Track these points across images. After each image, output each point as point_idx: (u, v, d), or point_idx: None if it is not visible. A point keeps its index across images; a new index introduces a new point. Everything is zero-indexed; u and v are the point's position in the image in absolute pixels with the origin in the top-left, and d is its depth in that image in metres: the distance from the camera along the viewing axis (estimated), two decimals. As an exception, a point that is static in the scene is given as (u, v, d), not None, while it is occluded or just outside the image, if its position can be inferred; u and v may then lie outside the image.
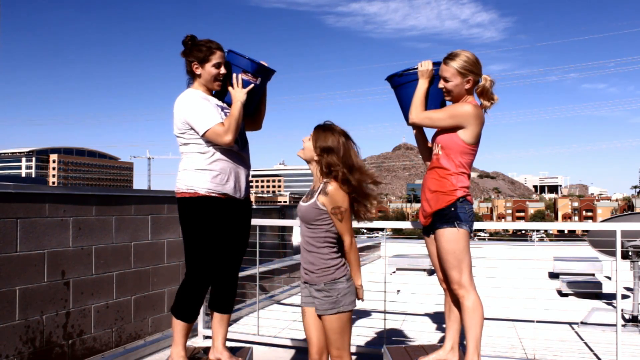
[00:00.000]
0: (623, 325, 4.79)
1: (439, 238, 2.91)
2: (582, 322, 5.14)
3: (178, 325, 2.94)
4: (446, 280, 3.05)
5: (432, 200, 2.95)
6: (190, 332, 4.60)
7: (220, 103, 3.04)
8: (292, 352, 4.32)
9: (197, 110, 2.88)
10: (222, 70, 2.98)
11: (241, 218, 3.08)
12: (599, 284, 6.95)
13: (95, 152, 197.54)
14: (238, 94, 2.97)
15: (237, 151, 3.01)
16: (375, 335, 4.70)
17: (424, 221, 3.06)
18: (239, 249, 3.12)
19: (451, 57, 2.93)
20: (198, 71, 2.96)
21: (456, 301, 3.07)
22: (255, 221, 4.75)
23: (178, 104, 2.94)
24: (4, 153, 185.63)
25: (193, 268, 2.93)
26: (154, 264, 4.50)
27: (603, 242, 5.33)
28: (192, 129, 2.91)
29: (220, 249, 2.98)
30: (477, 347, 2.88)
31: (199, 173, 2.91)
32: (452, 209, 2.87)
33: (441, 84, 2.96)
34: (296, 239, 9.63)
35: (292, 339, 4.52)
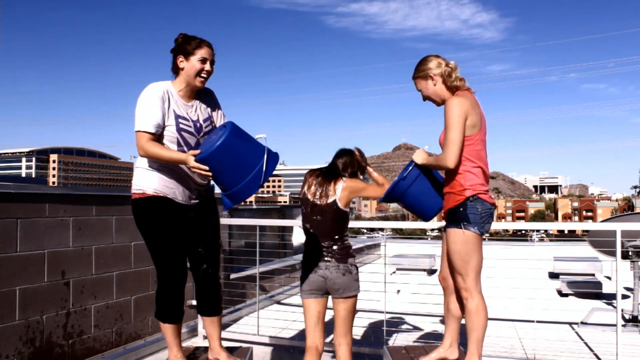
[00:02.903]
0: (623, 325, 4.79)
1: (447, 238, 2.91)
2: (582, 322, 5.14)
3: (167, 329, 2.90)
4: (452, 278, 3.05)
5: (445, 199, 2.96)
6: (187, 331, 4.63)
7: (181, 112, 2.82)
8: (292, 352, 4.32)
9: (142, 106, 2.73)
10: (208, 66, 2.82)
11: (201, 216, 2.96)
12: (599, 284, 6.95)
13: (95, 152, 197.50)
14: (189, 160, 2.63)
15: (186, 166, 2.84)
16: (375, 335, 4.70)
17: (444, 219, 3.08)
18: (207, 249, 2.99)
19: (413, 72, 3.04)
20: (182, 64, 2.79)
21: (454, 301, 3.07)
22: (255, 221, 4.76)
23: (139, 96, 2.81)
24: (4, 153, 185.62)
25: (161, 270, 2.87)
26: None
27: (603, 242, 5.33)
28: None
29: (182, 246, 2.89)
30: (479, 349, 2.87)
31: (148, 173, 2.80)
32: (461, 209, 2.82)
33: (423, 99, 3.06)
34: (296, 239, 9.63)
35: (291, 339, 4.52)
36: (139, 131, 2.71)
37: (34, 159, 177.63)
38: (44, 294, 3.54)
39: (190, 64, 2.80)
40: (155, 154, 2.71)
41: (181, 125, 2.80)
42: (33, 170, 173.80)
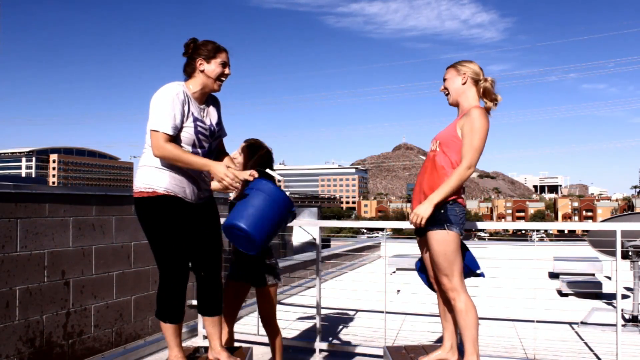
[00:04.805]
0: (623, 325, 4.80)
1: (430, 240, 2.90)
2: (582, 322, 5.15)
3: (168, 329, 2.90)
4: (437, 282, 3.05)
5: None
6: (187, 331, 4.63)
7: (198, 115, 2.85)
8: (292, 352, 4.32)
9: (163, 105, 2.73)
10: (227, 70, 2.88)
11: (205, 216, 2.96)
12: (599, 284, 6.95)
13: (95, 152, 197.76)
14: (216, 166, 2.71)
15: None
16: (375, 335, 4.70)
17: None
18: (210, 249, 2.99)
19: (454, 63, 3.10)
20: (202, 67, 2.82)
21: (448, 302, 3.07)
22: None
23: (155, 94, 2.81)
24: (4, 153, 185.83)
25: (164, 270, 2.86)
26: (154, 264, 4.48)
27: (603, 242, 5.33)
28: None
29: (187, 246, 2.88)
30: (475, 347, 2.87)
31: (159, 171, 2.79)
32: (442, 211, 2.85)
33: (441, 88, 3.11)
34: (296, 239, 9.64)
35: (292, 339, 4.52)
36: (157, 131, 2.71)
37: (34, 159, 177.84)
38: (44, 294, 3.54)
39: (212, 67, 2.84)
40: (175, 156, 2.71)
41: (199, 128, 2.83)
42: (33, 170, 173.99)
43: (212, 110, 2.98)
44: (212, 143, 2.93)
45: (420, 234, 3.07)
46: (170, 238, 2.82)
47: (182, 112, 2.77)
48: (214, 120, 2.95)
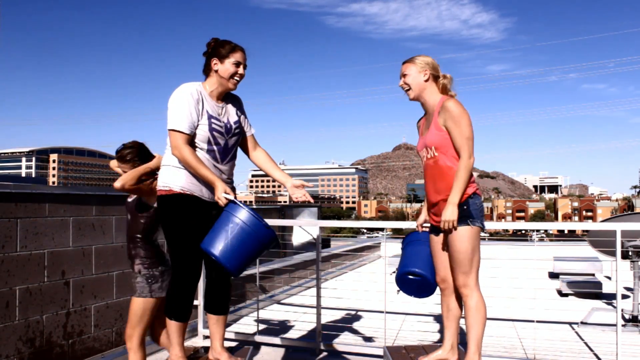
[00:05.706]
0: (623, 325, 4.80)
1: (452, 237, 2.88)
2: (582, 322, 5.15)
3: (173, 326, 2.92)
4: (452, 279, 3.04)
5: (445, 202, 2.93)
6: (187, 331, 4.63)
7: (213, 112, 2.91)
8: (292, 352, 4.32)
9: (179, 105, 2.82)
10: (241, 70, 2.92)
11: (220, 214, 2.95)
12: (599, 284, 6.96)
13: (95, 152, 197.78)
14: (220, 188, 2.78)
15: (214, 164, 2.92)
16: (375, 335, 4.71)
17: (435, 223, 3.04)
18: None
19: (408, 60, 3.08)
20: (216, 67, 2.89)
21: (454, 301, 3.06)
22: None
23: (171, 95, 2.90)
24: (4, 153, 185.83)
25: (177, 267, 2.89)
26: (154, 264, 4.50)
27: (603, 242, 5.33)
28: None
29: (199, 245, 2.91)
30: (479, 347, 2.88)
31: (177, 170, 2.86)
32: (465, 206, 2.85)
33: (400, 83, 3.06)
34: (296, 239, 9.64)
35: (292, 339, 4.52)
36: (175, 130, 2.79)
37: (34, 159, 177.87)
38: (44, 294, 3.54)
39: (225, 67, 2.90)
40: (189, 161, 2.79)
41: (213, 125, 2.89)
42: (33, 170, 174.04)
43: (230, 108, 3.02)
44: (228, 140, 2.97)
45: (437, 232, 3.06)
46: (185, 236, 2.86)
47: (197, 111, 2.84)
48: (232, 119, 3.00)
